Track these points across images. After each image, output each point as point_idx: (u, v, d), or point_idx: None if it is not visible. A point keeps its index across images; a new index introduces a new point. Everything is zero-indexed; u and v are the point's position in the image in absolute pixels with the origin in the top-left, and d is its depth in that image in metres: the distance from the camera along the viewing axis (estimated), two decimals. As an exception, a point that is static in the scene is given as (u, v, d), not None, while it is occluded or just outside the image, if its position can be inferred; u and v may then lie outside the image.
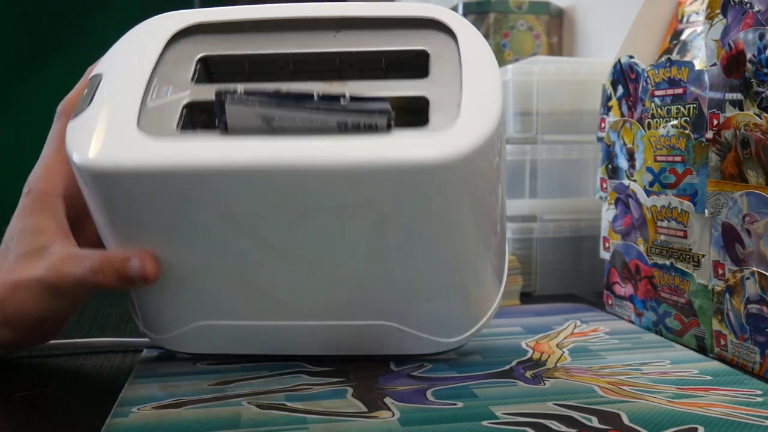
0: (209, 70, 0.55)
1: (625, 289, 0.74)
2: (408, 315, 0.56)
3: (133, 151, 0.47)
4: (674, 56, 0.74)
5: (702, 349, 0.63)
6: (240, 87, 0.47)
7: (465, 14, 1.18)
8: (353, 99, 0.47)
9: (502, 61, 1.15)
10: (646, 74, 0.70)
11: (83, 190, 0.50)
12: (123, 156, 0.47)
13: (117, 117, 0.49)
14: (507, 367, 0.58)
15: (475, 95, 0.49)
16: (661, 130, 0.67)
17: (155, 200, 0.49)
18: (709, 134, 0.61)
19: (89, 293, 0.54)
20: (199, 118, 0.52)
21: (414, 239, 0.51)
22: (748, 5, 0.58)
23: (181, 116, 0.50)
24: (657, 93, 0.68)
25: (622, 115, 0.74)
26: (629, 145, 0.72)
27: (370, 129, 0.47)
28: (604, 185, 0.77)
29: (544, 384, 0.54)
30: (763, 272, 0.55)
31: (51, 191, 0.55)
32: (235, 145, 0.47)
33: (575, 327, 0.71)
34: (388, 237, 0.50)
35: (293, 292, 0.55)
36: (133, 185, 0.48)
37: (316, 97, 0.47)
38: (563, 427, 0.46)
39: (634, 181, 0.72)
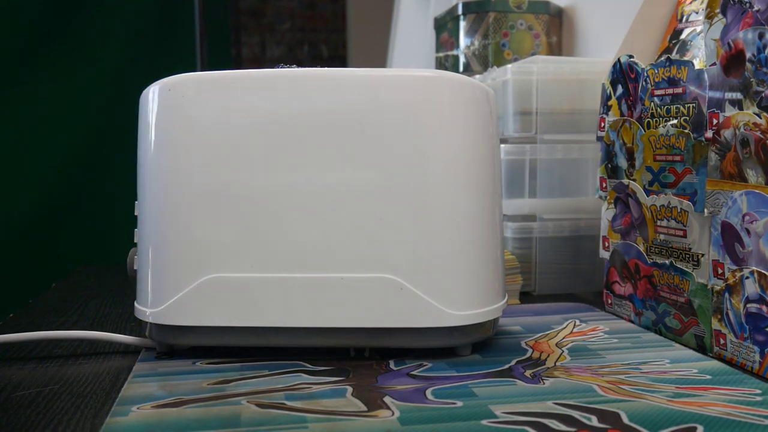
0: None
1: (624, 288, 0.74)
2: (411, 268, 0.57)
3: None
4: (674, 56, 0.74)
5: (701, 348, 0.63)
6: None
7: (464, 14, 1.18)
8: None
9: (501, 61, 1.15)
10: (645, 74, 0.70)
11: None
12: None
13: None
14: (506, 366, 0.58)
15: None
16: (661, 130, 0.67)
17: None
18: (709, 133, 0.61)
19: None
20: None
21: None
22: (747, 5, 0.58)
23: None
24: (656, 92, 0.68)
25: (622, 115, 0.74)
26: (629, 145, 0.72)
27: None
28: (604, 184, 0.77)
29: (544, 383, 0.54)
30: (763, 271, 0.55)
31: None
32: None
33: (575, 326, 0.71)
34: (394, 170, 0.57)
35: (303, 232, 0.58)
36: None
37: None
38: (563, 426, 0.46)
39: (634, 180, 0.72)
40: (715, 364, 0.58)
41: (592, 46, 1.16)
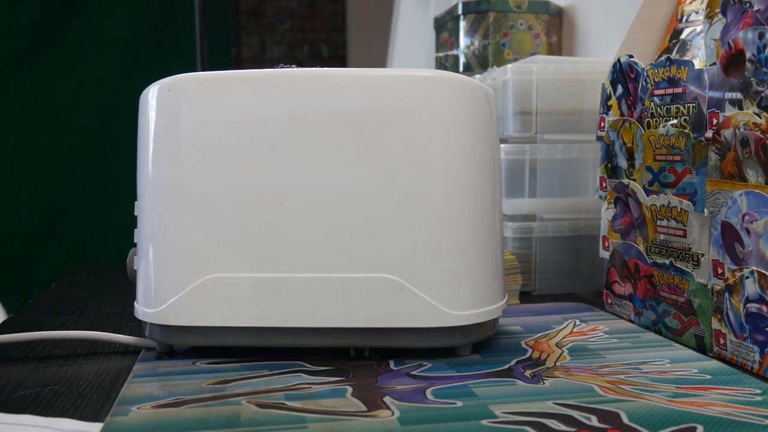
0: None
1: (624, 288, 0.74)
2: (411, 267, 0.57)
3: None
4: (674, 55, 0.74)
5: (701, 348, 0.63)
6: None
7: (464, 14, 1.18)
8: None
9: (501, 61, 1.15)
10: (645, 73, 0.70)
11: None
12: None
13: None
14: (506, 366, 0.58)
15: None
16: (661, 130, 0.67)
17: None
18: (709, 133, 0.61)
19: None
20: None
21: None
22: (747, 4, 0.58)
23: None
24: (656, 92, 0.68)
25: (622, 115, 0.74)
26: (629, 145, 0.72)
27: None
28: (604, 184, 0.77)
29: (544, 383, 0.54)
30: (763, 271, 0.55)
31: None
32: None
33: (574, 326, 0.71)
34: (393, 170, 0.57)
35: (303, 232, 0.58)
36: None
37: None
38: (563, 426, 0.46)
39: (634, 180, 0.72)
40: (715, 364, 0.59)
41: (592, 46, 1.16)
